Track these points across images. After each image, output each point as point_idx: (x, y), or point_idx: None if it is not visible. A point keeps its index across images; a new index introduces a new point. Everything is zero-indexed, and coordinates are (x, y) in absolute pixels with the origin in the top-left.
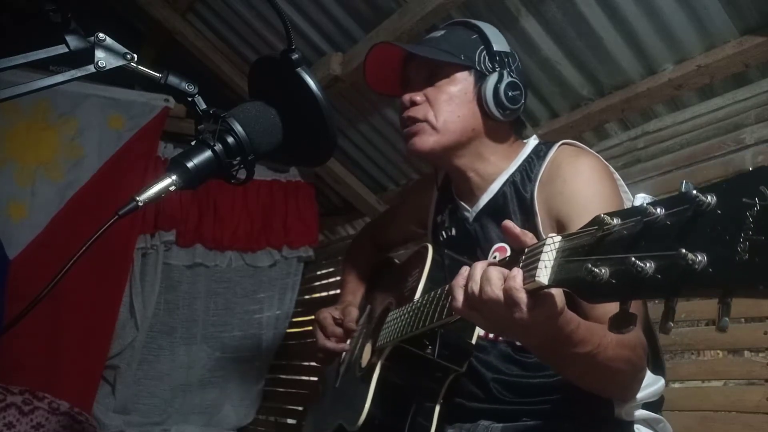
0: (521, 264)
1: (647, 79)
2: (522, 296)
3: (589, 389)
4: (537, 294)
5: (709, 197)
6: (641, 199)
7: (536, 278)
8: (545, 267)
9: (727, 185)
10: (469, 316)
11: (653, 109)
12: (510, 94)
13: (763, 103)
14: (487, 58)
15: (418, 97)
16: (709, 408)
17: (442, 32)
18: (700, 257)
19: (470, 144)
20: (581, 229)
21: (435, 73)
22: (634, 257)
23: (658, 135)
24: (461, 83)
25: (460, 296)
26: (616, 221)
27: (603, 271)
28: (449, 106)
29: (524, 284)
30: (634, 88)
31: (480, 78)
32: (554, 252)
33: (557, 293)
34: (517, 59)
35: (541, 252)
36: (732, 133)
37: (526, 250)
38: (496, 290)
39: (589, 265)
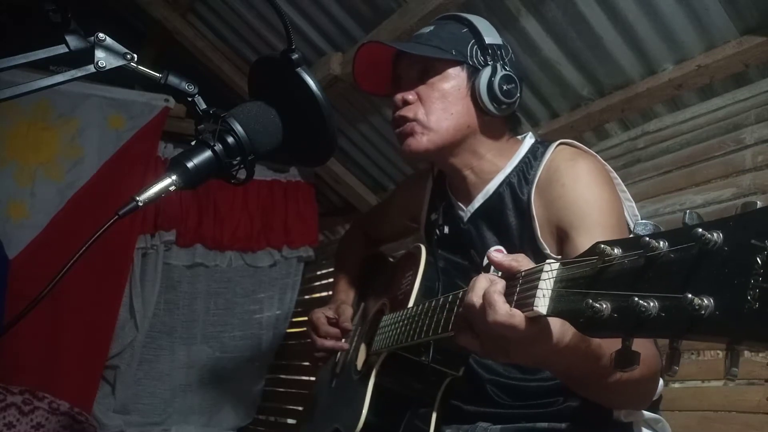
0: (518, 288)
1: (647, 79)
2: (497, 298)
3: (612, 406)
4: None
5: (715, 235)
6: (643, 227)
7: (534, 307)
8: (543, 296)
9: (734, 223)
10: (463, 339)
11: (653, 109)
12: (505, 87)
13: (763, 103)
14: (479, 51)
15: (410, 95)
16: (709, 408)
17: (432, 28)
18: (706, 302)
19: (465, 141)
20: (580, 257)
21: (426, 70)
22: (638, 297)
23: (658, 135)
24: (454, 79)
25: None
26: (617, 251)
27: (604, 306)
28: (442, 104)
29: (523, 311)
30: (634, 88)
31: (473, 73)
32: (552, 281)
33: (557, 322)
34: (510, 51)
35: (539, 279)
36: (732, 133)
37: (523, 273)
38: (474, 298)
39: (590, 300)
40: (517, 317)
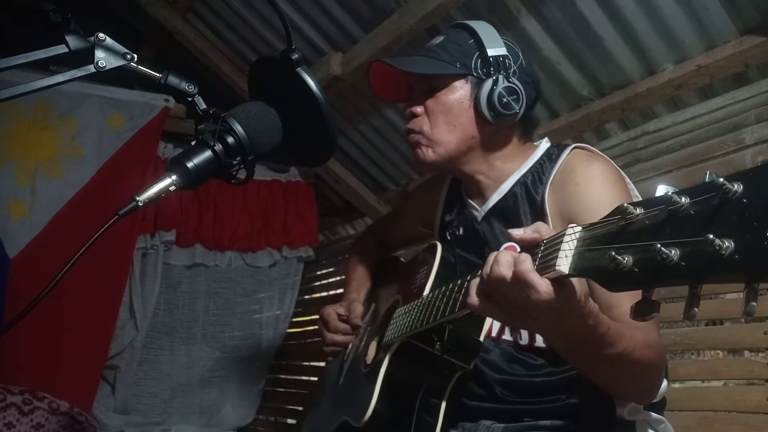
0: (540, 254)
1: (647, 79)
2: (535, 277)
3: (614, 391)
4: (554, 280)
5: (735, 185)
6: (663, 189)
7: (556, 267)
8: (565, 256)
9: (753, 174)
10: (485, 310)
11: (653, 109)
12: (504, 99)
13: (763, 103)
14: (482, 63)
15: (419, 109)
16: (709, 408)
17: (441, 39)
18: (727, 243)
19: (473, 151)
20: (603, 218)
21: (433, 84)
22: (660, 244)
23: (658, 135)
24: (459, 92)
25: (473, 290)
26: (639, 210)
27: (626, 259)
28: (446, 117)
29: (544, 273)
30: (634, 88)
31: (477, 84)
32: (575, 241)
33: (577, 282)
34: (520, 57)
35: (562, 242)
36: (732, 133)
37: (545, 241)
38: (503, 269)
39: (612, 253)
40: (554, 289)
